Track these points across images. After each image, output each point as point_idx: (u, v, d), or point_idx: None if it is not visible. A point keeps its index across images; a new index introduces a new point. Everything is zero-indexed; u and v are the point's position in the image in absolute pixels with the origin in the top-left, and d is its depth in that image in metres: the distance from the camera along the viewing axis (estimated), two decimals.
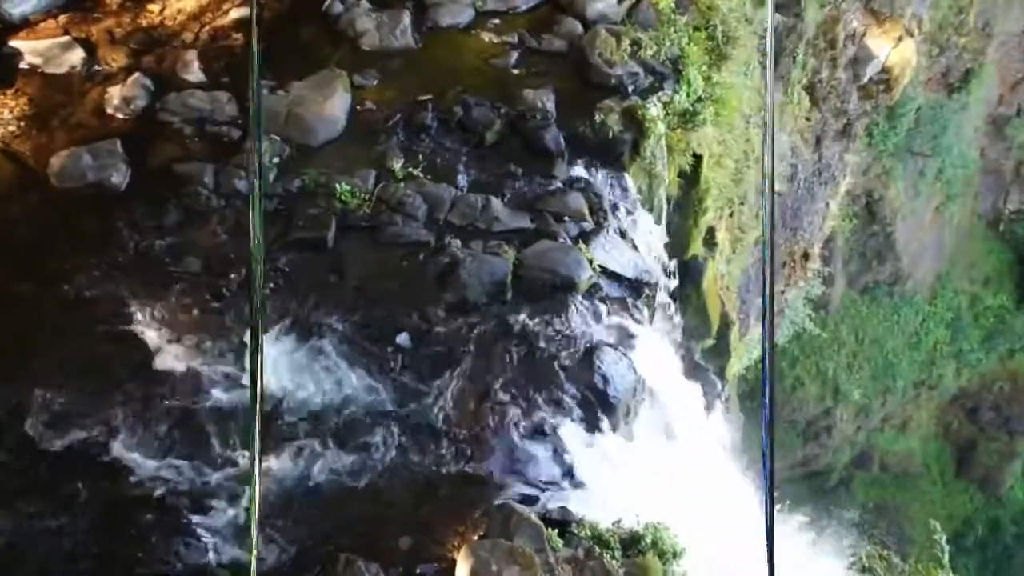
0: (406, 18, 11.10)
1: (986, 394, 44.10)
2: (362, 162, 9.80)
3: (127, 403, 7.89)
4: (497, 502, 7.43)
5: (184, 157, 9.76)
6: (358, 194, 9.39)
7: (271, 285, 8.81)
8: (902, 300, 39.20)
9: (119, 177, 9.55)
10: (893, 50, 19.35)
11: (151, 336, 8.33)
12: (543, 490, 7.76)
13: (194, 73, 10.55)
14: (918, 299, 39.54)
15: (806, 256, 21.63)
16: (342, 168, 9.72)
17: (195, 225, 9.23)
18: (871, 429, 41.02)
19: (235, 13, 11.01)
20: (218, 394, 8.02)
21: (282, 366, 8.11)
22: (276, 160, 9.78)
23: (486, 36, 11.10)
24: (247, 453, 7.59)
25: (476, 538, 7.04)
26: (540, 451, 7.91)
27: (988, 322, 41.26)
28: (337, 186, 9.38)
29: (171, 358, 8.20)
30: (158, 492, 7.38)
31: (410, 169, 9.66)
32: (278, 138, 9.92)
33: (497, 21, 11.31)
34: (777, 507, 11.09)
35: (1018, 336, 41.99)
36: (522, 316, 8.51)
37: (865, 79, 19.67)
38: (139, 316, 8.41)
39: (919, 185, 36.46)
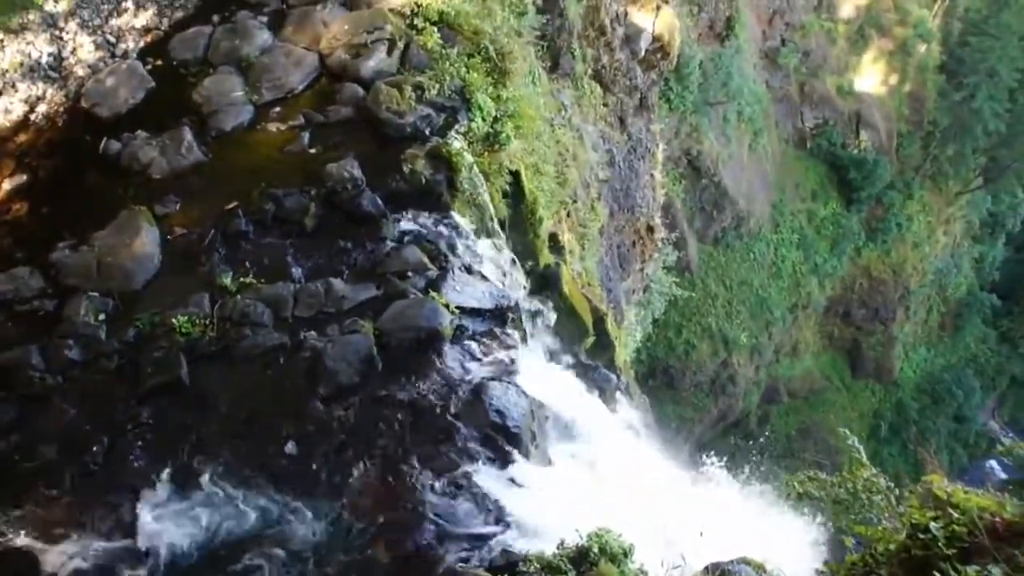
0: (188, 134, 10.83)
1: (851, 295, 47.05)
2: (192, 288, 9.44)
3: None
4: (440, 570, 7.23)
5: (2, 346, 9.11)
6: (198, 321, 9.03)
7: (138, 443, 8.33)
8: (751, 238, 41.31)
9: None
10: (656, 20, 20.46)
11: (28, 544, 7.66)
12: (480, 541, 7.62)
13: None
14: (765, 232, 41.77)
15: (651, 229, 22.40)
16: (174, 301, 9.32)
17: (38, 411, 8.61)
18: (768, 364, 42.84)
19: (8, 184, 10.41)
20: (125, 572, 7.47)
21: (175, 522, 7.63)
22: (102, 317, 9.29)
23: (273, 126, 10.98)
24: None
25: None
26: (464, 505, 7.76)
27: (828, 231, 44.08)
28: (174, 321, 8.99)
29: (58, 557, 7.56)
30: None
31: (242, 279, 9.38)
32: (96, 294, 9.43)
33: (279, 109, 11.22)
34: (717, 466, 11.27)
35: (856, 234, 45.13)
36: (400, 381, 8.38)
37: (642, 52, 20.68)
38: (6, 529, 7.73)
39: (727, 131, 38.64)
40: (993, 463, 47.67)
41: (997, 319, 53.69)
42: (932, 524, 4.53)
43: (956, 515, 4.46)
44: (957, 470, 46.44)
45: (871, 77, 46.42)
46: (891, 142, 46.34)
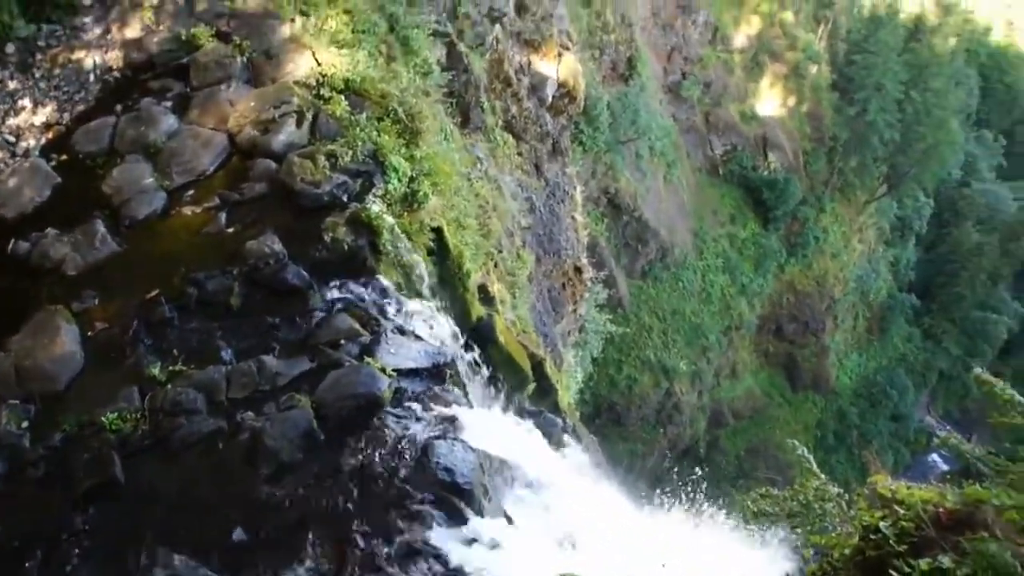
0: (100, 227, 10.59)
1: (780, 311, 48.33)
2: (119, 383, 9.13)
3: None
4: None
5: None
6: (129, 416, 8.72)
7: (76, 551, 7.95)
8: (678, 267, 42.22)
9: None
10: (559, 67, 21.00)
11: None
12: None
13: None
14: (690, 260, 42.75)
15: (578, 270, 22.66)
16: (101, 399, 8.99)
17: None
18: (710, 389, 43.49)
19: None
20: None
21: None
22: (24, 424, 8.91)
23: (187, 210, 10.82)
24: None
25: None
26: (422, 570, 7.60)
27: (751, 251, 45.39)
28: (103, 419, 8.65)
29: None
30: None
31: (171, 367, 9.12)
32: (17, 401, 9.06)
33: (192, 192, 11.07)
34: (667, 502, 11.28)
35: (777, 251, 46.59)
36: (344, 452, 8.22)
37: (549, 99, 21.17)
38: None
39: (641, 166, 39.67)
40: (935, 456, 49.07)
41: (919, 318, 55.83)
42: (881, 523, 4.63)
43: (902, 511, 4.57)
44: (902, 468, 47.66)
45: (770, 101, 48.50)
46: (798, 160, 48.30)
